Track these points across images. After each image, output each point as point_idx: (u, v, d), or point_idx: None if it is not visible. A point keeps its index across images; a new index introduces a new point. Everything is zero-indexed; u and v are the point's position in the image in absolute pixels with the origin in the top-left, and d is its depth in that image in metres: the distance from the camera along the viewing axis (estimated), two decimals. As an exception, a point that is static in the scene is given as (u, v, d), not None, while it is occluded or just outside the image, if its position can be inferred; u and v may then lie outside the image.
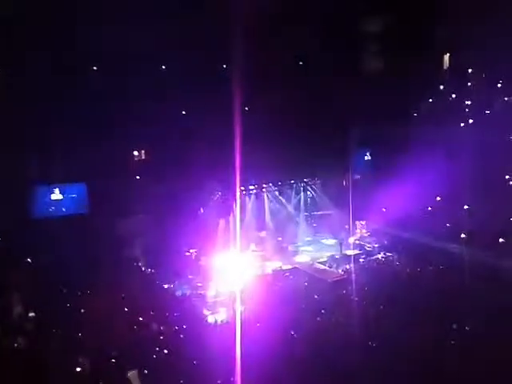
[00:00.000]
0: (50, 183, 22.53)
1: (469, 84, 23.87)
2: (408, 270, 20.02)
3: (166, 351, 13.89)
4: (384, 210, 23.74)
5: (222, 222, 23.22)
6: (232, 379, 12.04)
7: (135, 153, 24.22)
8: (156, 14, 20.20)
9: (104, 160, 21.20)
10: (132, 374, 11.95)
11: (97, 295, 16.99)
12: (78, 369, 12.16)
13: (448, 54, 24.76)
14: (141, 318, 15.78)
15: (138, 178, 23.34)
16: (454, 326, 15.01)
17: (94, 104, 20.48)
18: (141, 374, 12.23)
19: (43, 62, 19.79)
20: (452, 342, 14.08)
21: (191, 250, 22.27)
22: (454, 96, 24.44)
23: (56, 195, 22.71)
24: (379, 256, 22.93)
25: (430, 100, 24.96)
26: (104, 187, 21.45)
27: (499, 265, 18.37)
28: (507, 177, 22.49)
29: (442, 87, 24.74)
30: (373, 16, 23.60)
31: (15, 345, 12.42)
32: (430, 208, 23.83)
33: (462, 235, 21.67)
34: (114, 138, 21.40)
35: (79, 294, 17.29)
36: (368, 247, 24.02)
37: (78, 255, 18.53)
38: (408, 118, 24.76)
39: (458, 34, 22.95)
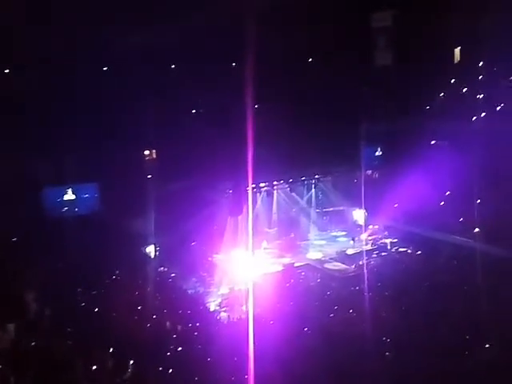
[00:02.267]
0: (63, 184, 22.69)
1: (480, 77, 23.63)
2: (421, 265, 19.91)
3: (179, 348, 13.94)
4: (396, 205, 23.60)
5: (233, 219, 23.24)
6: (246, 375, 12.06)
7: (146, 152, 24.32)
8: (164, 10, 20.24)
9: (116, 159, 21.33)
10: None
11: (110, 294, 17.09)
12: (94, 367, 12.22)
13: (459, 48, 24.52)
14: (154, 316, 15.84)
15: (149, 177, 23.44)
16: (469, 322, 14.93)
17: (105, 103, 20.59)
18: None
19: (56, 61, 19.94)
20: (467, 338, 14.00)
21: (203, 248, 22.33)
22: (465, 89, 24.22)
23: (69, 195, 22.87)
24: (392, 251, 22.83)
25: (442, 94, 24.74)
26: (116, 187, 21.60)
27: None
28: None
29: (453, 81, 24.51)
30: (384, 9, 23.48)
31: (32, 343, 12.51)
32: (442, 203, 23.65)
33: (476, 229, 21.52)
34: (125, 137, 21.51)
35: (93, 292, 17.40)
36: (380, 243, 23.92)
37: (92, 254, 18.68)
38: (420, 112, 24.59)
39: (469, 27, 22.76)
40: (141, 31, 20.57)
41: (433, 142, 24.82)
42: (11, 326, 12.59)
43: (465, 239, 21.09)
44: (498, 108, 23.43)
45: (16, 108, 19.56)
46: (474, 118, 23.74)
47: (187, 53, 22.15)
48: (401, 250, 22.77)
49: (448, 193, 23.50)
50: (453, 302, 15.97)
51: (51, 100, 20.03)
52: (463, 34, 23.48)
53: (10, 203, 18.67)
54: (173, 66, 23.71)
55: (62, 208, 22.57)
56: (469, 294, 16.33)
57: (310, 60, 25.52)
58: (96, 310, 15.91)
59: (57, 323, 14.37)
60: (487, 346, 13.45)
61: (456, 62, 24.84)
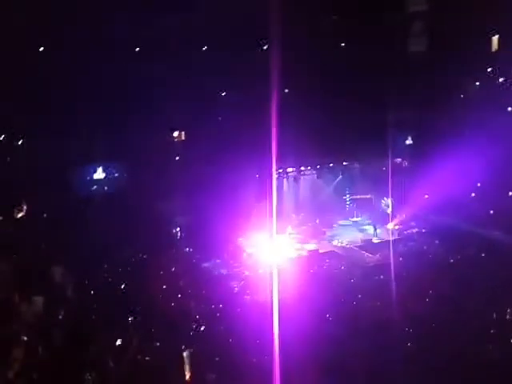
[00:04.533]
0: (93, 162, 23.00)
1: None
2: (448, 257, 19.66)
3: (202, 328, 14.12)
4: (425, 195, 23.27)
5: (259, 203, 23.26)
6: (267, 357, 12.15)
7: (175, 133, 24.43)
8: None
9: (145, 140, 21.50)
10: None
11: (137, 272, 17.37)
12: (119, 342, 12.49)
13: (497, 36, 23.84)
14: (179, 295, 16.06)
15: (177, 158, 23.59)
16: (495, 315, 14.73)
17: (134, 85, 20.71)
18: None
19: (85, 43, 20.12)
20: (492, 332, 13.82)
21: (229, 231, 22.43)
22: (502, 79, 23.60)
23: (98, 174, 23.18)
24: (419, 242, 22.57)
25: (477, 83, 24.15)
26: (145, 167, 21.80)
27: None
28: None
29: (489, 70, 23.87)
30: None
31: (59, 316, 12.84)
32: (473, 194, 23.23)
33: (505, 222, 21.12)
34: (153, 119, 21.64)
35: (120, 270, 17.70)
36: (407, 233, 23.68)
37: (119, 233, 18.97)
38: (453, 101, 24.07)
39: (507, 15, 22.10)
40: (168, 14, 20.57)
41: (465, 132, 24.28)
42: (39, 300, 12.90)
43: (494, 232, 20.69)
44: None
45: (47, 89, 19.81)
46: (510, 108, 23.14)
47: (215, 37, 22.05)
48: (428, 240, 22.44)
49: (479, 184, 23.03)
50: (479, 295, 15.76)
51: (81, 81, 20.20)
52: (501, 22, 22.80)
53: (40, 182, 19.03)
54: (202, 49, 23.64)
55: (92, 186, 22.90)
56: (495, 287, 16.07)
57: (341, 45, 25.12)
58: (122, 287, 16.21)
59: (84, 299, 14.69)
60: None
61: (493, 50, 24.16)
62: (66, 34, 19.89)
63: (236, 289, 18.26)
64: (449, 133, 23.12)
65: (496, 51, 24.20)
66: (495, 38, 24.13)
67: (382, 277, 18.36)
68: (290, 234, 24.11)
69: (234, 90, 23.63)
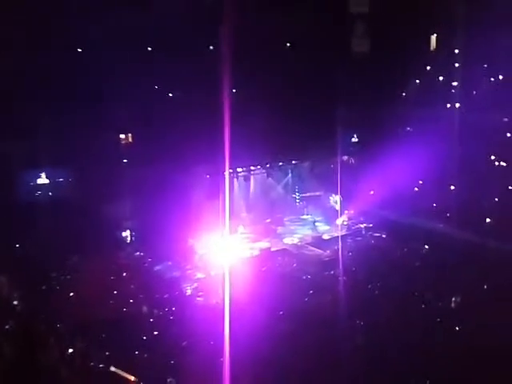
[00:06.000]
0: (37, 168, 22.32)
1: (456, 65, 23.87)
2: (394, 250, 20.29)
3: (155, 332, 14.00)
4: (371, 191, 23.87)
5: (210, 204, 23.20)
6: (221, 359, 12.18)
7: (122, 136, 24.01)
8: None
9: (91, 143, 21.03)
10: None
11: (86, 278, 17.00)
12: (70, 350, 12.24)
13: (435, 35, 24.70)
14: (131, 300, 15.84)
15: (125, 161, 23.20)
16: (440, 304, 15.31)
17: (79, 86, 20.24)
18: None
19: (30, 44, 19.51)
20: (439, 321, 14.35)
21: (180, 233, 22.27)
22: (440, 77, 24.46)
23: (42, 179, 22.52)
24: (367, 236, 23.15)
25: (417, 81, 24.94)
26: (91, 171, 21.33)
27: (485, 244, 18.66)
28: (493, 157, 22.67)
29: (428, 68, 24.71)
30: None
31: (6, 327, 12.45)
32: (416, 189, 24.02)
33: (448, 215, 21.98)
34: (100, 120, 21.21)
35: (68, 277, 17.29)
36: (356, 228, 24.21)
37: (66, 239, 18.51)
38: (395, 100, 24.78)
39: (444, 14, 22.95)
40: (117, 13, 20.22)
41: (408, 129, 25.06)
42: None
43: (437, 224, 21.49)
44: (473, 96, 23.73)
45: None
46: (449, 105, 24.02)
47: (163, 35, 21.83)
48: (375, 234, 23.06)
49: (422, 179, 23.83)
50: (424, 285, 16.34)
51: (24, 83, 19.57)
52: (439, 21, 23.65)
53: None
54: (149, 49, 23.34)
55: (36, 192, 22.21)
56: (440, 277, 16.70)
57: (287, 45, 25.39)
58: (71, 294, 15.85)
59: (31, 307, 14.28)
60: (457, 328, 13.84)
61: (432, 49, 25.01)
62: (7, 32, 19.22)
63: (189, 291, 18.17)
64: (392, 130, 23.83)
65: (434, 50, 25.05)
66: (433, 38, 24.97)
67: (332, 272, 18.74)
68: (241, 233, 24.16)
69: (182, 90, 23.47)
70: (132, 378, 11.82)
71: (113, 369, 12.02)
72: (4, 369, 10.97)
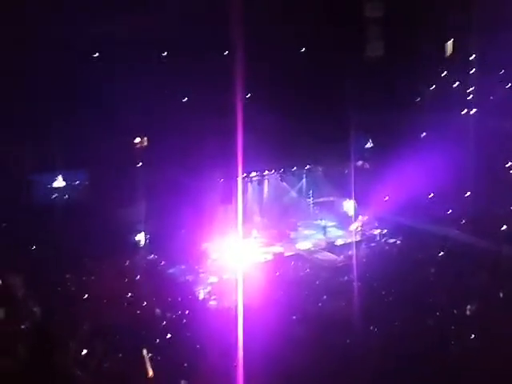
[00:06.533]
0: (53, 171, 22.55)
1: (471, 71, 23.73)
2: (409, 256, 20.11)
3: (168, 336, 14.03)
4: (386, 197, 23.75)
5: (223, 208, 23.27)
6: (234, 363, 12.17)
7: (136, 139, 24.18)
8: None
9: (106, 147, 21.20)
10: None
11: (100, 281, 17.11)
12: (84, 351, 12.31)
13: (451, 40, 24.57)
14: (144, 303, 15.90)
15: (139, 164, 23.35)
16: (455, 312, 15.14)
17: (94, 90, 20.42)
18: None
19: (43, 49, 19.73)
20: (453, 328, 14.20)
21: (193, 236, 22.34)
22: (456, 83, 24.32)
23: (58, 182, 22.74)
24: (381, 242, 23.01)
25: (433, 86, 24.81)
26: (106, 174, 21.51)
27: (500, 251, 18.45)
28: (509, 164, 22.46)
29: (444, 73, 24.58)
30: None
31: (22, 327, 12.57)
32: (431, 195, 23.84)
33: (463, 221, 21.79)
34: (115, 125, 21.38)
35: (82, 279, 17.40)
36: (369, 234, 24.09)
37: (82, 242, 18.65)
38: (410, 105, 24.69)
39: (461, 19, 22.84)
40: (132, 18, 20.42)
41: (423, 135, 24.92)
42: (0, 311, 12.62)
43: (452, 231, 21.30)
44: (489, 101, 23.55)
45: (4, 95, 19.33)
46: (465, 111, 23.87)
47: (178, 41, 22.00)
48: (389, 241, 22.91)
49: (436, 185, 23.65)
50: (439, 292, 16.17)
51: (40, 87, 19.80)
52: (455, 27, 23.54)
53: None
54: (163, 54, 23.52)
55: (52, 195, 22.44)
56: (455, 285, 16.53)
57: (302, 50, 25.42)
58: (86, 296, 15.95)
59: (46, 309, 14.40)
60: (472, 337, 13.67)
61: (448, 54, 24.89)
62: (21, 36, 19.47)
63: (202, 295, 18.21)
64: (407, 135, 23.71)
65: (450, 55, 24.94)
66: (449, 44, 24.86)
67: (346, 278, 18.63)
68: (255, 237, 24.18)
69: (197, 95, 23.60)
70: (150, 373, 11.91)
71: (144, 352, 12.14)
72: (19, 370, 11.08)
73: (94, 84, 20.30)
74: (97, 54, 22.26)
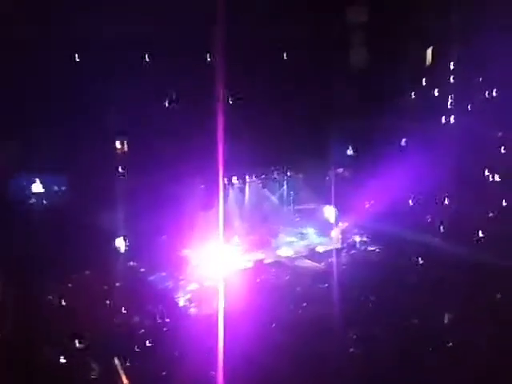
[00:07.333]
0: (31, 175, 22.20)
1: (451, 78, 24.05)
2: (389, 263, 20.26)
3: (148, 343, 13.89)
4: (366, 204, 23.89)
5: (204, 214, 23.15)
6: (214, 370, 12.08)
7: (116, 145, 23.94)
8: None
9: (86, 152, 20.96)
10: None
11: (78, 288, 16.89)
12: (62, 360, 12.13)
13: (431, 48, 24.88)
14: (123, 311, 15.72)
15: (121, 170, 23.11)
16: (434, 320, 15.25)
17: (75, 94, 20.19)
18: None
19: (24, 47, 19.44)
20: (432, 336, 14.30)
21: (174, 243, 22.19)
22: (436, 90, 24.61)
23: (37, 187, 22.39)
24: (361, 249, 23.11)
25: (413, 94, 25.07)
26: (86, 180, 21.24)
27: (478, 258, 18.66)
28: (487, 173, 22.77)
29: (424, 81, 24.86)
30: (356, 7, 23.67)
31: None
32: (411, 202, 24.05)
33: (442, 228, 22.02)
34: (95, 129, 21.15)
35: (61, 286, 17.15)
36: (350, 241, 24.17)
37: (60, 248, 18.37)
38: (390, 112, 24.88)
39: (441, 28, 23.17)
40: (114, 20, 20.25)
41: (403, 142, 25.15)
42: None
43: (432, 238, 21.49)
44: (468, 109, 23.87)
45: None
46: (444, 118, 24.15)
47: (159, 43, 21.88)
48: (370, 248, 23.04)
49: (416, 192, 23.86)
50: (419, 300, 16.28)
51: (19, 88, 19.51)
52: (435, 35, 23.83)
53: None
54: (144, 57, 23.38)
55: (29, 200, 22.08)
56: (434, 292, 16.66)
57: (283, 56, 25.51)
58: (63, 303, 15.72)
59: (23, 316, 14.16)
60: (451, 344, 13.79)
61: (428, 62, 25.18)
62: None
63: (182, 302, 18.07)
64: (387, 143, 23.91)
65: (430, 63, 25.23)
66: (429, 52, 25.15)
67: (326, 285, 18.68)
68: (235, 244, 24.09)
69: (178, 100, 23.48)
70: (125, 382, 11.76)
71: (116, 361, 11.97)
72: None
73: (75, 87, 20.07)
74: (77, 56, 21.99)
